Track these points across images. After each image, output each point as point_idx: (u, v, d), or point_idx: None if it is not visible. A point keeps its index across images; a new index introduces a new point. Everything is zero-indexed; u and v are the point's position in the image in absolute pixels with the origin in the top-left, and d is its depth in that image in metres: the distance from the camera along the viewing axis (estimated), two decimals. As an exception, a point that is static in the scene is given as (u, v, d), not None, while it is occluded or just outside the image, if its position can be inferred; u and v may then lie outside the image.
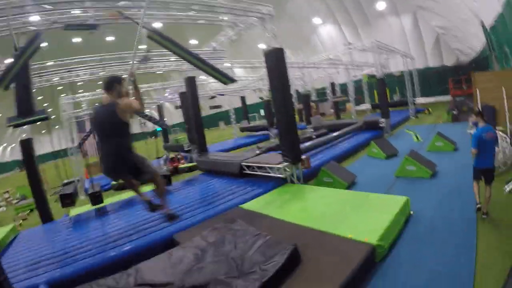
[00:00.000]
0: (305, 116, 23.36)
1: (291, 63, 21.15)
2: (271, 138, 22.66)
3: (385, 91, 17.73)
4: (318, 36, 39.57)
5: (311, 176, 10.25)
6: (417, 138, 13.14)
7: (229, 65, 19.57)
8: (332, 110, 29.46)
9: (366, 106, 25.81)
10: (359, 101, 29.19)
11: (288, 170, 9.32)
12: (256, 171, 10.11)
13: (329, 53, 21.38)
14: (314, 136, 16.39)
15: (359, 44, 19.77)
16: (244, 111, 32.02)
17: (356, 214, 6.22)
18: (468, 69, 24.86)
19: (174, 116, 71.17)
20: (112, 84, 4.21)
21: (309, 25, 39.14)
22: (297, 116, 26.93)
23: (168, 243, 6.32)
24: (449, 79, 27.00)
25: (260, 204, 7.50)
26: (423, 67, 32.48)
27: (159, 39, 9.39)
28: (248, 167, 10.40)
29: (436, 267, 4.64)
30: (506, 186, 7.01)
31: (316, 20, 38.29)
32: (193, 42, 37.54)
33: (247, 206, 7.54)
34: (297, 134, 9.85)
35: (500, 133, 9.43)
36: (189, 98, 14.70)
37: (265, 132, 25.41)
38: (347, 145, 13.97)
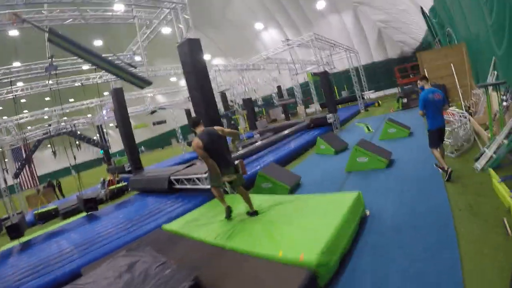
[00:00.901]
0: (250, 121, 22.05)
1: (228, 65, 19.95)
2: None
3: (330, 85, 16.82)
4: (261, 40, 39.11)
5: (253, 184, 8.66)
6: (368, 129, 12.22)
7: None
8: (283, 115, 28.55)
9: (316, 107, 25.02)
10: (308, 102, 28.51)
11: (219, 179, 7.87)
12: (186, 185, 8.91)
13: (268, 52, 20.12)
14: (259, 141, 14.98)
15: (297, 38, 18.69)
16: (190, 125, 30.12)
17: (293, 222, 4.71)
18: (413, 58, 24.86)
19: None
20: (198, 122, 5.64)
21: (251, 31, 38.81)
22: (246, 125, 25.85)
23: (77, 278, 5.00)
24: (395, 68, 26.93)
25: (183, 223, 6.29)
26: (369, 62, 32.66)
27: (60, 42, 8.05)
28: (177, 181, 9.29)
29: (408, 282, 3.22)
30: (477, 164, 5.82)
31: (258, 25, 37.87)
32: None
33: (170, 226, 6.37)
34: (225, 137, 8.43)
35: (457, 109, 8.53)
36: (117, 112, 13.43)
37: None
38: (294, 145, 12.60)
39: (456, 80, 11.00)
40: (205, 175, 7.94)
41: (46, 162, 57.97)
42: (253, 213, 5.56)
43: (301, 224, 4.52)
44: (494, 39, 8.25)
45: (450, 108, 8.93)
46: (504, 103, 6.90)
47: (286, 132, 14.40)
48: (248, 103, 22.17)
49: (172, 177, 9.40)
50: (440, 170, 5.99)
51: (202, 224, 5.84)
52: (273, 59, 20.76)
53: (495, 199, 4.55)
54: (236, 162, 8.48)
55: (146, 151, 66.99)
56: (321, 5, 32.94)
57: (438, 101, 5.92)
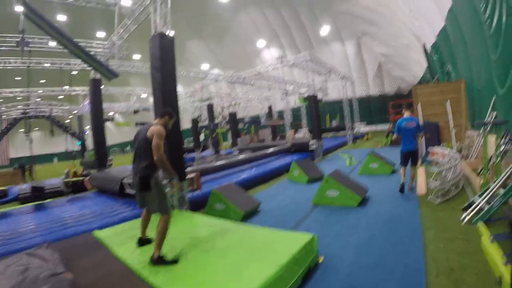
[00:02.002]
0: (232, 138, 21.09)
1: (218, 75, 19.17)
2: (196, 160, 20.12)
3: (317, 110, 15.80)
4: (261, 58, 38.74)
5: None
6: (350, 161, 11.32)
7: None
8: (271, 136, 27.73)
9: (305, 132, 24.16)
10: (298, 127, 27.77)
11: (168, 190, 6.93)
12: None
13: (261, 67, 19.24)
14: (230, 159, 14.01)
15: (291, 57, 17.86)
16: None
17: (219, 261, 3.74)
18: (409, 96, 24.32)
19: (116, 136, 68.20)
20: (163, 114, 4.42)
21: (253, 47, 38.68)
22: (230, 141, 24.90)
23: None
24: (389, 103, 26.42)
25: (116, 232, 5.51)
26: (365, 95, 32.23)
27: (34, 17, 7.56)
28: (129, 185, 8.42)
29: None
30: (464, 215, 4.81)
31: (260, 43, 37.64)
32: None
33: (101, 233, 5.53)
34: (181, 146, 7.65)
35: (448, 149, 7.63)
36: (91, 104, 12.74)
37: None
38: (268, 167, 11.54)
39: (451, 119, 10.14)
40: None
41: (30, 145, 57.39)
42: (143, 241, 4.56)
43: (226, 266, 3.57)
44: (496, 76, 7.48)
45: (440, 149, 8.09)
46: (502, 147, 5.96)
47: (264, 152, 13.39)
48: (233, 118, 21.21)
49: (124, 181, 8.58)
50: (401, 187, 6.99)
51: (132, 237, 4.89)
52: (265, 76, 19.86)
53: (483, 264, 3.55)
54: (193, 175, 7.53)
55: (131, 151, 66.13)
56: (325, 30, 32.69)
57: (410, 128, 6.96)
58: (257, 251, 3.86)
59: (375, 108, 32.19)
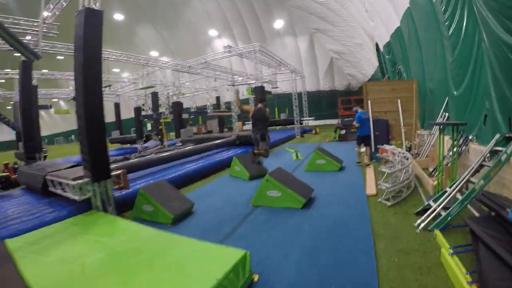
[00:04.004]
0: (176, 128, 20.03)
1: (162, 62, 17.96)
2: (138, 151, 18.84)
3: (262, 102, 15.19)
4: (213, 48, 37.49)
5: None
6: (297, 156, 10.82)
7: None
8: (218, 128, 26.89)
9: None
10: (248, 119, 27.23)
11: (90, 190, 6.01)
12: (57, 189, 6.82)
13: (206, 56, 18.24)
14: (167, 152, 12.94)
15: (240, 47, 17.06)
16: (117, 120, 27.73)
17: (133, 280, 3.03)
18: (359, 93, 24.58)
19: (60, 124, 63.44)
20: (262, 100, 8.05)
21: (204, 37, 37.47)
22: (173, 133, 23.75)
23: None
24: (339, 99, 26.62)
25: (28, 241, 4.66)
26: (315, 89, 32.32)
27: None
28: (52, 182, 7.12)
29: None
30: (419, 222, 4.30)
31: (212, 32, 36.58)
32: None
33: (12, 242, 4.54)
34: (104, 137, 6.46)
35: (399, 149, 7.24)
36: (21, 88, 10.85)
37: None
38: (209, 161, 10.60)
39: (401, 117, 9.92)
40: (73, 183, 5.93)
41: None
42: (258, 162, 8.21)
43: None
44: (452, 77, 7.20)
45: (391, 147, 7.71)
46: (457, 149, 5.58)
47: (207, 144, 12.47)
48: (176, 108, 20.05)
49: (48, 177, 7.27)
50: (358, 164, 9.26)
51: (45, 248, 4.26)
52: (212, 65, 18.90)
53: (444, 282, 3.02)
54: (118, 172, 6.54)
55: (76, 141, 62.48)
56: (279, 24, 32.35)
57: (367, 119, 9.49)
58: (175, 273, 3.07)
59: (325, 103, 32.54)
